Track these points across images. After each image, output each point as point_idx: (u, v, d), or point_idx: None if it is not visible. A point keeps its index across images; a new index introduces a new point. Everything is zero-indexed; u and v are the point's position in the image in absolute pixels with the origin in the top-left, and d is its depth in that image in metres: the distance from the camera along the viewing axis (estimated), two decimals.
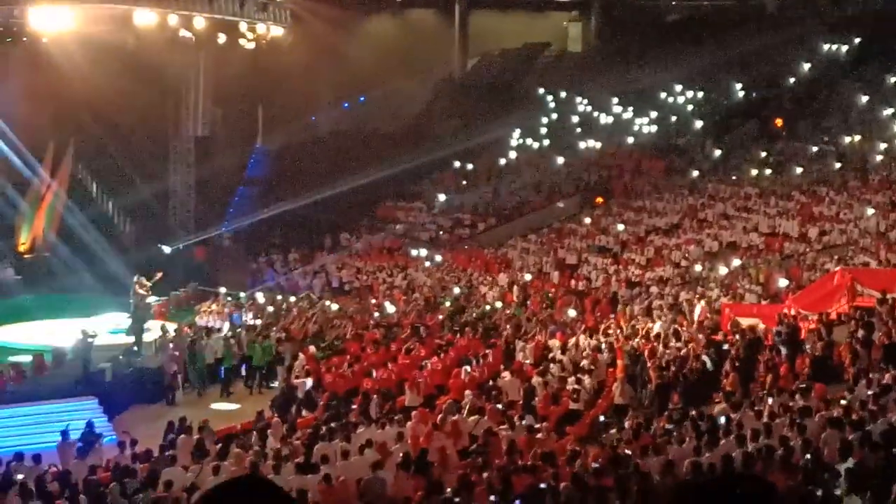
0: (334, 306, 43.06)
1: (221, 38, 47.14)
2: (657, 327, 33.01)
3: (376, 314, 40.91)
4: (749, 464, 17.47)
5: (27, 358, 33.15)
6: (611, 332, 34.17)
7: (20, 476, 21.09)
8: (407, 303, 43.66)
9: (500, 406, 25.45)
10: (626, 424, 22.77)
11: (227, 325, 39.22)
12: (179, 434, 24.16)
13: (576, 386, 27.38)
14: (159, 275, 39.14)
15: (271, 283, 50.05)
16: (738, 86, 68.55)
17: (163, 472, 20.77)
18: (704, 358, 28.42)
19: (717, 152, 61.79)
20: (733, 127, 65.01)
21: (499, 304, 42.33)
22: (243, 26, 47.29)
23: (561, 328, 35.23)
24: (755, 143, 61.48)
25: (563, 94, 73.43)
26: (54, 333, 37.03)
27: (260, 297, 45.23)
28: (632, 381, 28.01)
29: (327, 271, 53.49)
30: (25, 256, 50.10)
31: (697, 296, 38.09)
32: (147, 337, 36.17)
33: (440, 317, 39.72)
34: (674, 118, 68.64)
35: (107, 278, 44.72)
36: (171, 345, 34.54)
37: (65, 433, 24.64)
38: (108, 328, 37.51)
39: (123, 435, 25.00)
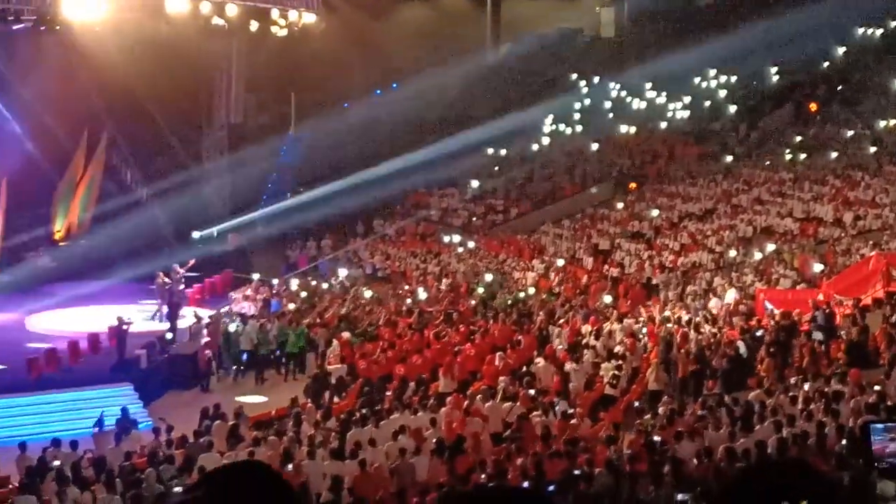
0: (367, 292, 43.11)
1: (254, 26, 47.21)
2: (691, 312, 32.95)
3: (408, 300, 40.91)
4: (784, 449, 17.43)
5: (63, 345, 33.31)
6: (644, 317, 34.10)
7: (56, 462, 21.25)
8: (440, 289, 43.65)
9: (532, 392, 25.46)
10: (661, 410, 22.72)
11: (260, 312, 39.32)
12: (214, 420, 24.26)
13: (615, 371, 27.34)
14: (192, 262, 39.36)
15: (302, 270, 50.09)
16: (773, 70, 68.17)
17: (198, 458, 20.89)
18: (739, 343, 28.30)
19: (752, 137, 61.49)
20: (767, 111, 64.70)
21: (532, 290, 42.28)
22: (275, 13, 47.35)
23: (594, 314, 35.18)
24: (790, 127, 61.17)
25: (595, 80, 73.19)
26: (89, 320, 37.24)
27: (293, 284, 45.29)
28: (666, 367, 27.92)
29: (360, 257, 53.54)
30: (61, 244, 50.36)
31: (731, 281, 37.97)
32: (181, 323, 36.33)
33: (473, 303, 39.72)
34: (707, 103, 68.38)
35: (141, 265, 44.87)
36: (205, 331, 34.71)
37: (100, 419, 24.79)
38: (142, 315, 37.68)
39: (159, 421, 25.16)
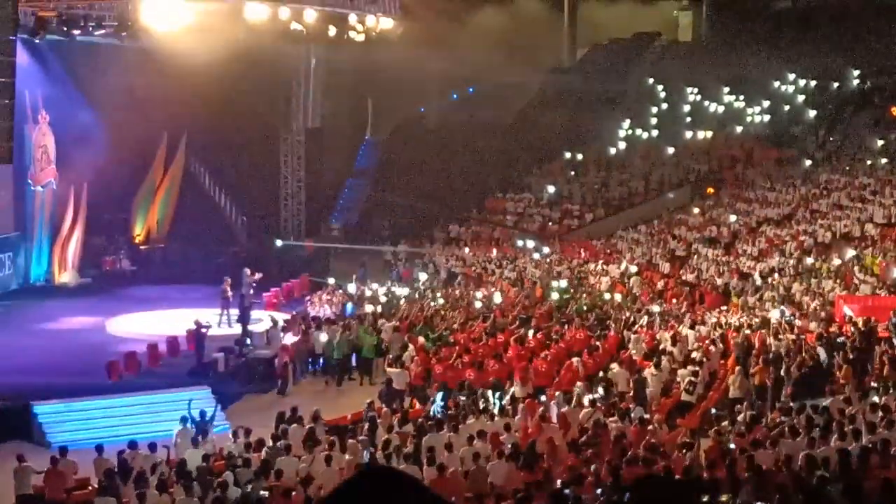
0: (440, 299, 43.15)
1: (332, 31, 47.44)
2: (770, 318, 32.65)
3: (479, 304, 40.80)
4: (865, 457, 17.20)
5: (142, 348, 33.65)
6: (722, 323, 33.85)
7: (135, 464, 21.44)
8: (516, 294, 43.57)
9: (610, 398, 25.35)
10: (739, 417, 22.52)
11: (337, 316, 39.47)
12: (291, 424, 24.35)
13: (691, 378, 27.14)
14: (259, 276, 39.52)
15: (362, 276, 50.18)
16: (854, 73, 67.45)
17: (275, 462, 20.98)
18: (819, 350, 28.00)
19: (831, 141, 60.89)
20: (848, 116, 64.01)
21: (607, 296, 42.12)
22: (353, 19, 47.53)
23: (671, 319, 34.98)
24: (870, 131, 60.45)
25: (673, 84, 72.84)
26: (168, 324, 37.60)
27: (370, 288, 45.44)
28: (744, 374, 27.68)
29: (436, 262, 53.62)
30: (141, 248, 50.93)
31: (811, 287, 37.60)
32: (259, 328, 36.55)
33: (549, 308, 39.61)
34: (786, 107, 67.81)
35: (219, 270, 45.26)
36: (282, 335, 34.90)
37: (183, 420, 24.97)
38: (218, 319, 37.96)
39: (236, 425, 25.32)
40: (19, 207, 44.55)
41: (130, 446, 22.63)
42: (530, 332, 33.55)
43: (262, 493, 19.27)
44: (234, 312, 37.70)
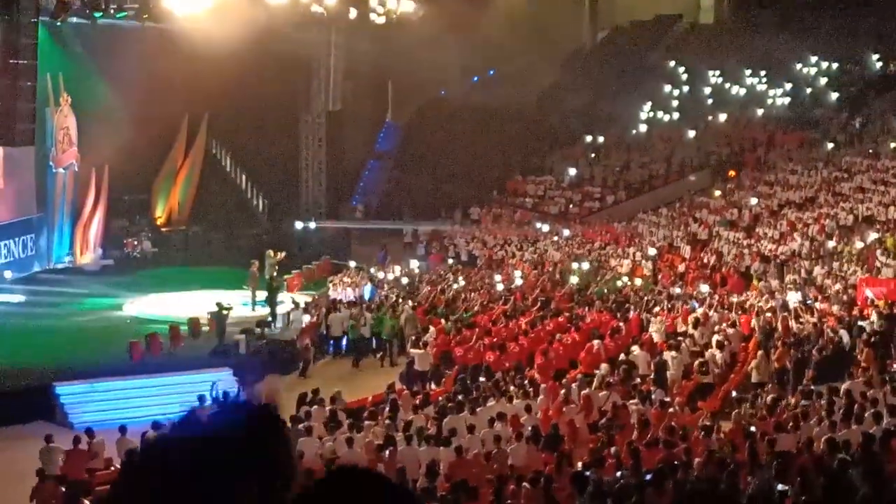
0: (462, 280, 43.18)
1: (352, 14, 47.43)
2: (790, 301, 32.57)
3: (499, 287, 40.77)
4: (886, 441, 17.17)
5: (164, 329, 33.78)
6: (745, 306, 33.79)
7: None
8: (536, 276, 43.55)
9: (630, 381, 25.35)
10: (760, 400, 22.50)
11: (358, 297, 39.53)
12: (312, 406, 24.41)
13: (701, 360, 27.14)
14: (283, 254, 39.62)
15: (382, 259, 50.16)
16: (875, 57, 67.13)
17: (296, 443, 21.04)
18: (842, 333, 27.93)
19: (853, 124, 60.64)
20: (870, 99, 63.73)
21: (626, 279, 42.08)
22: (374, 1, 47.56)
23: (692, 302, 34.93)
24: (893, 114, 60.19)
25: (694, 67, 72.61)
26: (190, 305, 37.71)
27: (391, 271, 45.48)
28: (767, 358, 27.62)
29: (456, 244, 53.61)
30: (162, 230, 51.06)
31: (833, 270, 37.50)
32: (280, 309, 36.63)
33: (569, 290, 39.58)
34: (808, 90, 67.57)
35: (240, 252, 45.37)
36: (303, 317, 34.99)
37: (201, 399, 25.05)
38: (241, 301, 38.06)
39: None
40: (41, 189, 44.67)
41: (154, 427, 22.71)
42: (548, 316, 33.55)
43: None
44: (262, 294, 37.80)
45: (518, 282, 41.58)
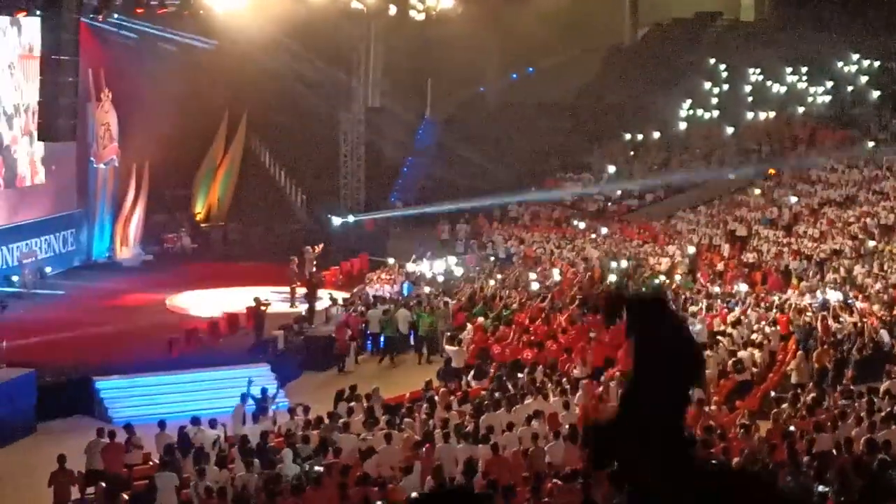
0: (498, 276, 43.16)
1: (392, 10, 47.50)
2: (830, 300, 32.39)
3: (535, 286, 40.66)
4: None
5: (202, 325, 33.92)
6: (785, 306, 33.61)
7: (195, 440, 21.66)
8: (574, 274, 43.45)
9: None
10: (800, 400, 22.39)
11: (396, 294, 39.55)
12: (350, 402, 24.47)
13: (735, 358, 27.03)
14: (321, 246, 39.76)
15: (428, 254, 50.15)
16: None
17: (334, 439, 21.10)
18: (882, 332, 27.76)
19: (894, 123, 60.23)
20: None
21: (663, 277, 41.92)
22: None
23: (731, 301, 34.79)
24: None
25: (734, 64, 72.25)
26: (228, 301, 37.85)
27: (429, 267, 45.45)
28: (807, 358, 27.47)
29: (494, 242, 53.52)
30: (201, 225, 51.27)
31: (873, 270, 37.27)
32: (318, 305, 36.71)
33: (607, 289, 39.43)
34: (849, 88, 67.17)
35: (279, 248, 45.50)
36: (341, 313, 35.04)
37: (243, 397, 25.19)
38: (278, 297, 38.15)
39: (295, 402, 25.48)
40: (82, 185, 44.95)
41: (193, 422, 22.85)
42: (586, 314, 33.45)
43: (320, 469, 19.41)
44: (302, 291, 37.91)
45: (556, 279, 41.50)
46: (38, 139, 38.36)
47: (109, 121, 45.19)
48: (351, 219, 52.60)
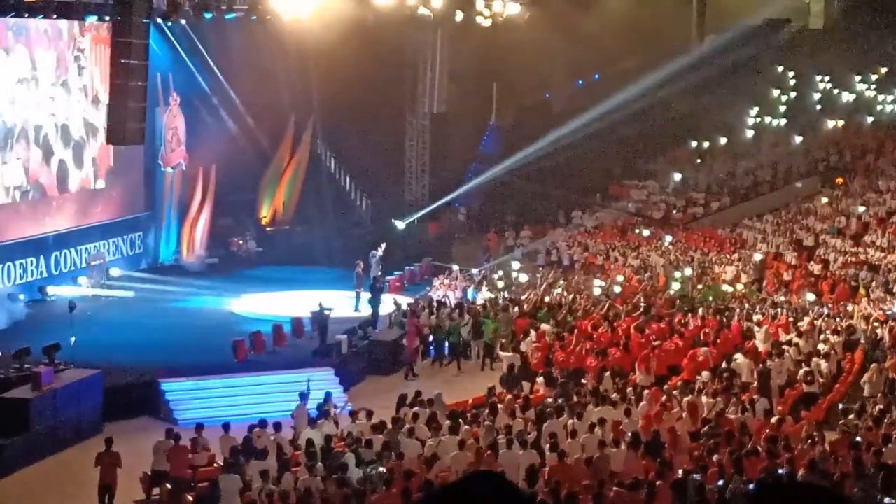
0: (562, 283, 43.09)
1: (458, 16, 47.53)
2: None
3: (597, 292, 40.52)
4: None
5: (268, 328, 34.10)
6: (851, 316, 33.31)
7: (259, 443, 21.78)
8: (639, 282, 43.29)
9: (732, 388, 25.12)
10: (866, 411, 22.17)
11: (459, 300, 39.57)
12: (413, 406, 24.50)
13: (806, 368, 26.81)
14: (384, 246, 39.95)
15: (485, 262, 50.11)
16: None
17: (397, 444, 21.14)
18: None
19: None
20: None
21: (727, 287, 41.65)
22: (480, 4, 47.59)
23: (797, 311, 34.53)
24: None
25: (802, 71, 71.70)
26: (293, 305, 38.02)
27: (493, 273, 45.45)
28: (879, 370, 27.12)
29: (558, 248, 53.42)
30: (267, 229, 51.52)
31: None
32: (382, 310, 36.81)
33: (671, 297, 39.28)
34: None
35: (343, 252, 45.64)
36: (406, 318, 35.11)
37: (302, 396, 25.32)
38: (343, 301, 38.27)
39: (358, 406, 25.56)
40: (149, 188, 45.36)
41: (260, 425, 23.01)
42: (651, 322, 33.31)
43: (383, 473, 19.44)
44: (367, 295, 38.03)
45: (618, 288, 41.35)
46: (107, 142, 38.68)
47: (177, 125, 45.57)
48: (415, 224, 52.67)
